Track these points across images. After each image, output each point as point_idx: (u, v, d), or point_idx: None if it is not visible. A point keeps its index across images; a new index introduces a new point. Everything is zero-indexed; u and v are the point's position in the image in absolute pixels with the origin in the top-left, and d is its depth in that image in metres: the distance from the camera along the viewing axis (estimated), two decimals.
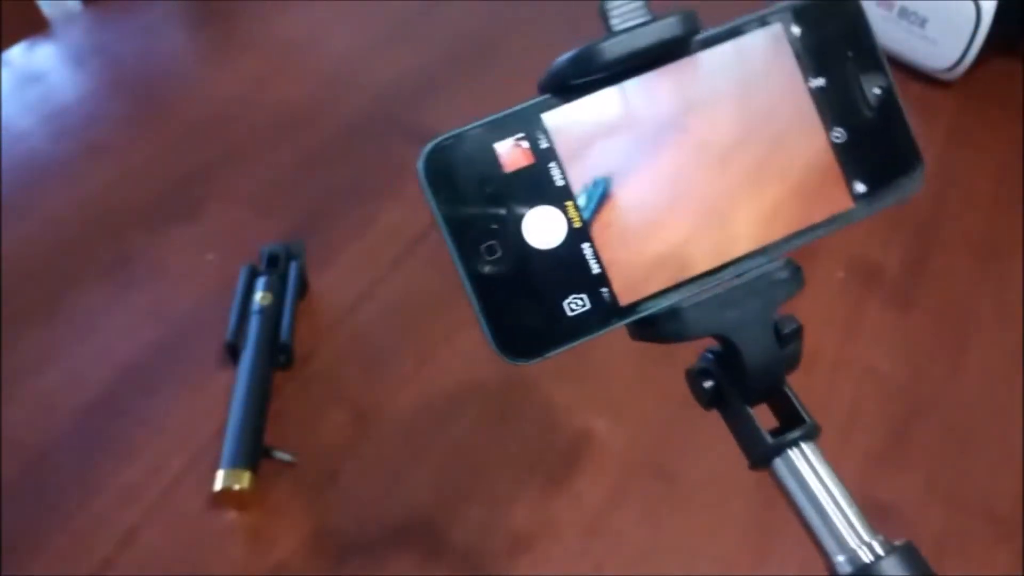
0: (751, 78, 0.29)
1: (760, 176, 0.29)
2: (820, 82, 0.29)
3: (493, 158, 0.27)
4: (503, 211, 0.27)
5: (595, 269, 0.28)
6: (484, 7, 0.90)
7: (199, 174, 0.73)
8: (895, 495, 0.53)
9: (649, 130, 0.28)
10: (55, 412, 0.57)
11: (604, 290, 0.28)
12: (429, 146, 0.27)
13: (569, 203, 0.28)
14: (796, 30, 0.29)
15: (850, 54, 0.29)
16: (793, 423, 0.30)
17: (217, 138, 0.76)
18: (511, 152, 0.27)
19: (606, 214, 0.28)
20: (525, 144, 0.28)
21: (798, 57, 0.29)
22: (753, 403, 0.30)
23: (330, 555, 0.51)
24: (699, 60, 0.29)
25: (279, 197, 0.72)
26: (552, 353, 0.28)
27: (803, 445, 0.29)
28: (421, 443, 0.56)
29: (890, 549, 0.28)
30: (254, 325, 0.59)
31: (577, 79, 0.28)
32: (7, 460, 0.55)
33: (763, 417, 0.30)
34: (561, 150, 0.28)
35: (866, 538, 0.28)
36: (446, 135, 0.27)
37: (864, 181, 0.30)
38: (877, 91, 0.29)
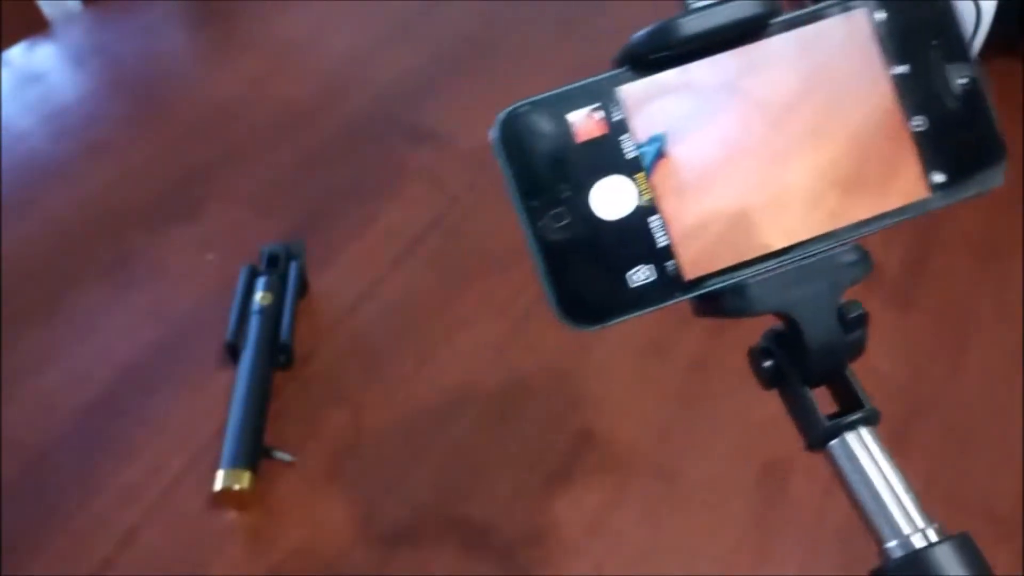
0: (830, 62, 0.29)
1: (835, 161, 0.29)
2: (903, 69, 0.29)
3: (566, 127, 0.28)
4: (573, 179, 0.28)
5: (662, 242, 0.28)
6: (484, 7, 0.90)
7: (199, 174, 0.73)
8: None
9: (722, 110, 0.28)
10: (55, 412, 0.57)
11: (670, 263, 0.28)
12: (503, 113, 0.27)
13: (640, 175, 0.28)
14: (880, 16, 0.29)
15: (934, 42, 0.29)
16: (852, 408, 0.30)
17: (217, 138, 0.76)
18: (584, 122, 0.28)
19: (675, 189, 0.28)
20: (599, 115, 0.28)
21: (881, 43, 0.29)
22: (813, 385, 0.30)
23: (330, 555, 0.51)
24: (777, 42, 0.28)
25: (279, 197, 0.72)
26: (614, 321, 0.28)
27: (861, 429, 0.30)
28: (421, 443, 0.56)
29: (945, 537, 0.28)
30: (254, 325, 0.59)
31: (653, 54, 0.28)
32: (7, 460, 0.55)
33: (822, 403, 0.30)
34: (634, 123, 0.28)
35: (920, 525, 0.28)
36: (521, 103, 0.27)
37: (944, 171, 0.29)
38: (962, 80, 0.29)
